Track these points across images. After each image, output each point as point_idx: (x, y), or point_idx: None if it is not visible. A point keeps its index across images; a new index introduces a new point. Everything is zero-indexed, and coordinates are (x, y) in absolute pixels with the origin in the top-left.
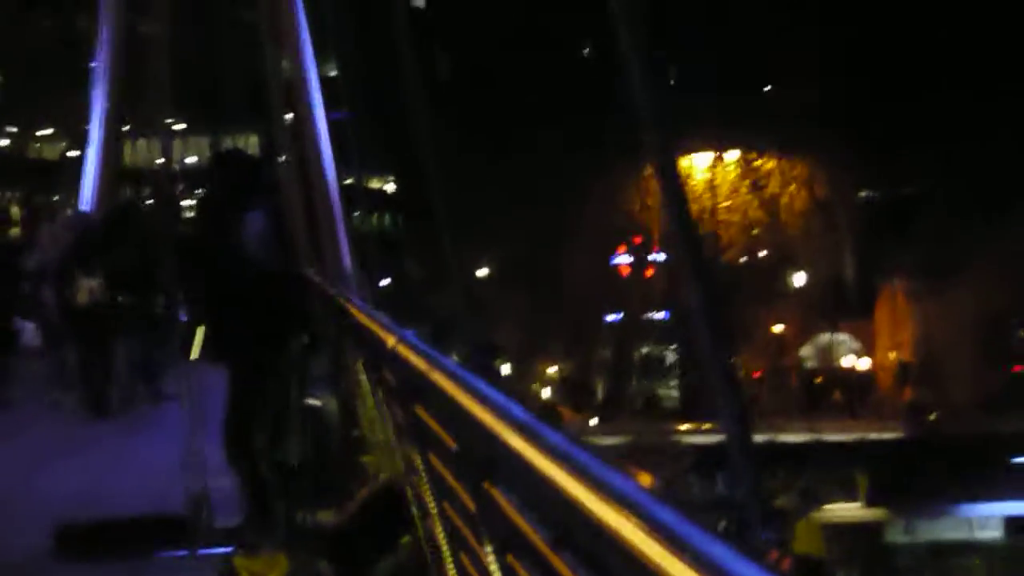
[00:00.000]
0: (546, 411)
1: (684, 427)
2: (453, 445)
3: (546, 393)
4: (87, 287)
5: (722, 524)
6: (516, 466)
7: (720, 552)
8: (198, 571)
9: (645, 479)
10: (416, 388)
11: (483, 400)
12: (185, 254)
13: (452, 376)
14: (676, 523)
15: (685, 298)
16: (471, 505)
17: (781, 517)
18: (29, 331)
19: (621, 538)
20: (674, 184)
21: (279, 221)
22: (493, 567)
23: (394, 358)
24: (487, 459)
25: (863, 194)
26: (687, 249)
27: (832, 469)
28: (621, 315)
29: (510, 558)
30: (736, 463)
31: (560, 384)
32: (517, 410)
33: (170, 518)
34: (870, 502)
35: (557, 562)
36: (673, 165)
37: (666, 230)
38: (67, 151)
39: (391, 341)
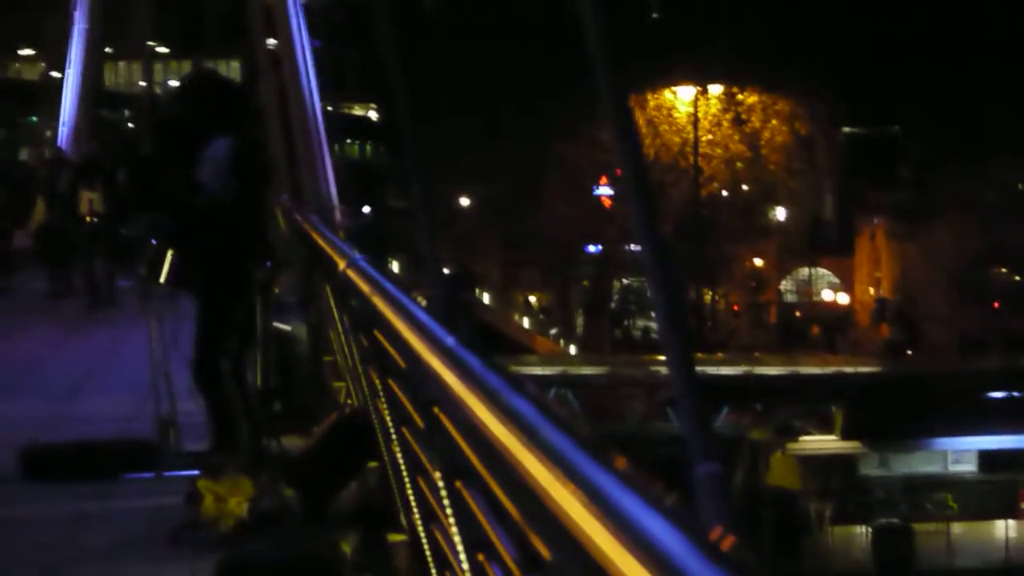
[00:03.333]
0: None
1: (663, 359)
2: (405, 370)
3: (526, 323)
4: (87, 198)
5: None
6: (447, 392)
7: (603, 480)
8: (163, 493)
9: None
10: (373, 312)
11: (415, 325)
12: (144, 175)
13: (391, 301)
14: (568, 450)
15: (633, 230)
16: (423, 430)
17: (730, 450)
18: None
19: (518, 463)
20: (628, 129)
21: (251, 148)
22: (443, 492)
23: (345, 281)
24: (432, 384)
25: (846, 131)
26: (637, 187)
27: (809, 403)
28: (601, 247)
29: (459, 484)
30: (679, 397)
31: (539, 314)
32: (448, 339)
33: (137, 441)
34: (845, 436)
35: (498, 490)
36: (626, 107)
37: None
38: (48, 72)
39: (342, 264)
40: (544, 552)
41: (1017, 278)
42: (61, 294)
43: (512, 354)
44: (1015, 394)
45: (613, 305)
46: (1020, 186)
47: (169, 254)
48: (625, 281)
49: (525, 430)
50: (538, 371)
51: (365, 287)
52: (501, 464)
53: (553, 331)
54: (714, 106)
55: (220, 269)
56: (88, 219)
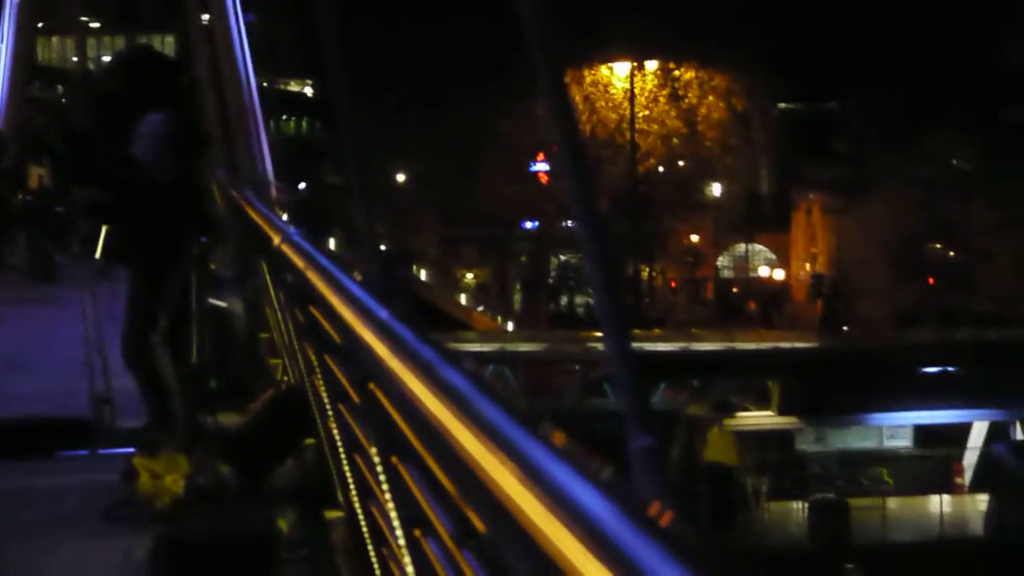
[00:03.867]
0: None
1: (600, 335)
2: (341, 345)
3: (463, 300)
4: (36, 174)
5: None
6: (382, 367)
7: (537, 452)
8: (98, 471)
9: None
10: (307, 287)
11: (349, 299)
12: (78, 149)
13: (325, 275)
14: (501, 423)
15: (570, 206)
16: (359, 406)
17: (667, 426)
18: None
19: (451, 436)
20: (564, 105)
21: (186, 122)
22: (379, 468)
23: (280, 256)
24: (367, 360)
25: (782, 106)
26: (573, 163)
27: (745, 378)
28: (538, 223)
29: (395, 459)
30: (616, 372)
31: (476, 290)
32: (382, 312)
33: (72, 418)
34: (782, 411)
35: (433, 464)
36: (562, 83)
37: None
38: None
39: (276, 239)
40: (479, 526)
41: (952, 253)
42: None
43: (450, 330)
44: (949, 369)
45: (551, 281)
46: (955, 161)
47: (104, 230)
48: (563, 257)
49: (458, 403)
50: (476, 347)
51: (299, 262)
52: (435, 438)
53: (479, 308)
54: (650, 82)
55: (155, 244)
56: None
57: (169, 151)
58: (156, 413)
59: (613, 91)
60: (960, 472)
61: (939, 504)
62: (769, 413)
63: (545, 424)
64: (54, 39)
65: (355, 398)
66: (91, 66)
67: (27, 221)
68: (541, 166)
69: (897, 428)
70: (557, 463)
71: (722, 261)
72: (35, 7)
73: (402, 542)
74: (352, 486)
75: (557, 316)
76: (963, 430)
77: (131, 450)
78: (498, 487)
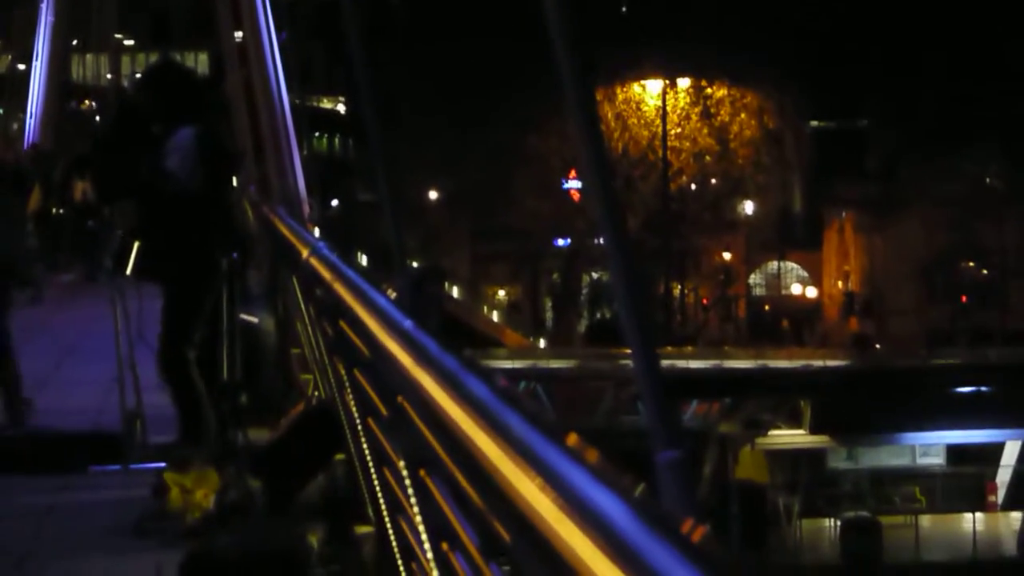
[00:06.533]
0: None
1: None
2: (370, 359)
3: (495, 317)
4: (80, 188)
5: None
6: (407, 377)
7: (558, 460)
8: (129, 486)
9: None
10: (336, 300)
11: (374, 309)
12: (110, 162)
13: (352, 287)
14: (523, 431)
15: (597, 224)
16: (387, 420)
17: (699, 444)
18: None
19: (474, 445)
20: (591, 125)
21: (216, 137)
22: (407, 482)
23: (308, 269)
24: (394, 371)
25: (813, 125)
26: (600, 181)
27: (777, 396)
28: (570, 240)
29: (423, 472)
30: (643, 387)
31: (508, 308)
32: (405, 322)
33: (104, 433)
34: (813, 429)
35: (459, 475)
36: (591, 101)
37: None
38: (15, 64)
39: (305, 252)
40: (507, 539)
41: (984, 272)
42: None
43: (482, 347)
44: (982, 388)
45: (582, 298)
46: (988, 180)
47: (136, 245)
48: (595, 275)
49: (481, 413)
50: (508, 364)
51: (327, 274)
52: (460, 449)
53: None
54: (683, 100)
55: (187, 260)
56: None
57: (199, 164)
58: (188, 428)
59: (645, 109)
60: (993, 490)
61: (972, 522)
62: (801, 431)
63: (571, 435)
64: (88, 56)
65: (383, 411)
66: (124, 83)
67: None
68: (573, 183)
69: (930, 446)
70: (583, 474)
71: (754, 279)
72: (70, 25)
73: (430, 556)
74: (381, 501)
75: (591, 332)
76: (996, 449)
77: (162, 465)
78: (523, 499)
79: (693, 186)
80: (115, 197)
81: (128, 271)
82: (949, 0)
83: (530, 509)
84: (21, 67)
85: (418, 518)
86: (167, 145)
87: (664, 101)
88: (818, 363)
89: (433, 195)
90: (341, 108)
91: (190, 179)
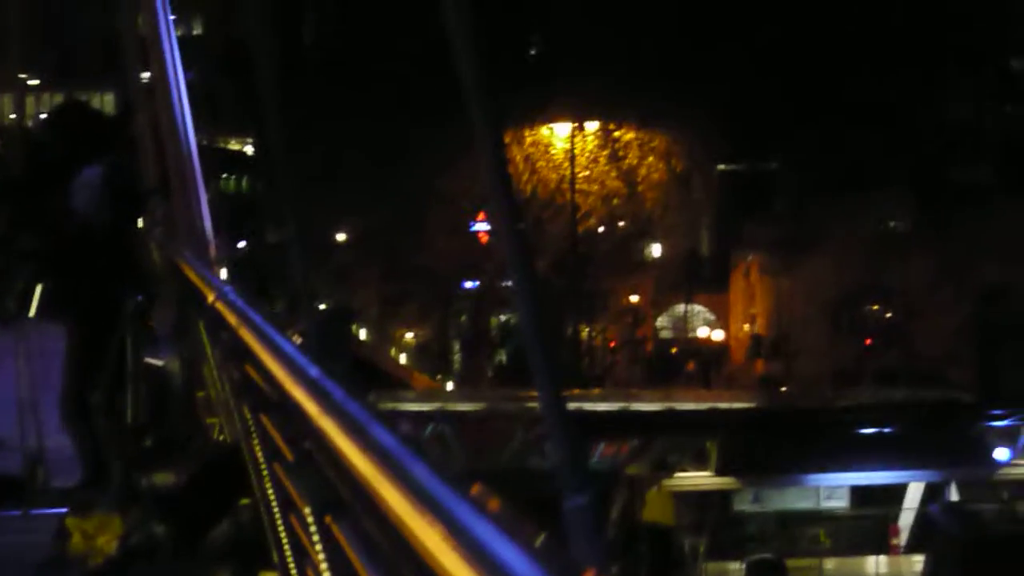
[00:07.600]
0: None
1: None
2: (276, 403)
3: (403, 359)
4: None
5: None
6: (313, 425)
7: (462, 510)
8: (30, 532)
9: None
10: (241, 345)
11: (281, 357)
12: (13, 200)
13: (258, 333)
14: (427, 480)
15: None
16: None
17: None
18: None
19: (378, 494)
20: (500, 166)
21: (123, 178)
22: (312, 528)
23: (213, 313)
24: (299, 418)
25: (721, 168)
26: (506, 219)
27: (684, 438)
28: (478, 282)
29: (328, 519)
30: (551, 430)
31: (416, 350)
32: (312, 369)
33: (4, 477)
34: (720, 471)
35: (367, 525)
36: (500, 143)
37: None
38: None
39: (211, 297)
40: None
41: (888, 314)
42: None
43: (389, 389)
44: (885, 430)
45: (491, 339)
46: (891, 223)
47: (39, 288)
48: (503, 317)
49: (386, 462)
50: (415, 407)
51: (233, 319)
52: (365, 496)
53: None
54: (591, 143)
55: (91, 301)
56: None
57: (106, 203)
58: (91, 472)
59: (554, 151)
60: (896, 533)
61: (875, 565)
62: (707, 473)
63: (474, 484)
64: None
65: (289, 456)
66: (29, 123)
67: None
68: (481, 225)
69: (834, 488)
70: (486, 524)
71: (661, 321)
72: None
73: None
74: (287, 546)
75: (499, 373)
76: (899, 491)
77: (64, 510)
78: (425, 548)
79: (601, 228)
80: (19, 237)
81: (31, 312)
82: (858, 45)
83: (432, 559)
84: None
85: (323, 564)
86: (73, 184)
87: (572, 144)
88: (724, 405)
89: (342, 236)
90: (249, 149)
91: (96, 218)
